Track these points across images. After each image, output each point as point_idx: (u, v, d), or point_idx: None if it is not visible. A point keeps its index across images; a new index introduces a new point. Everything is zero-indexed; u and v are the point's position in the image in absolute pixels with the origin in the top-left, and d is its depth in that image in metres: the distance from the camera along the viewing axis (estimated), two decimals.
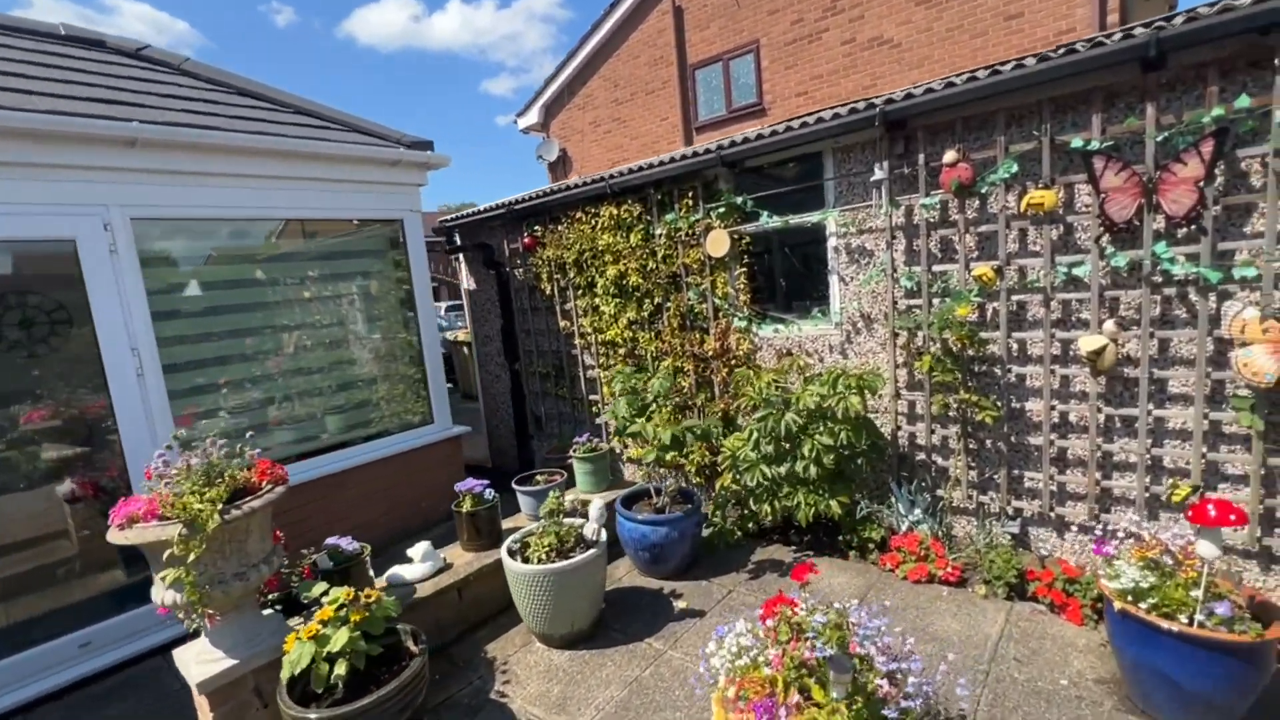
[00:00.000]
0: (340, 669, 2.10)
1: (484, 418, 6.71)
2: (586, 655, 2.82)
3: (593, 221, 4.82)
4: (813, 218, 3.78)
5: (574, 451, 4.04)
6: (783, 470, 3.44)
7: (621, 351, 4.89)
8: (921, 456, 3.60)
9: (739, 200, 4.02)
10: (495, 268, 5.85)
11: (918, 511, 3.43)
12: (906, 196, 3.40)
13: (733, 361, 4.24)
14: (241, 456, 2.39)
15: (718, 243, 4.09)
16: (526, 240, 5.33)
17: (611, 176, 4.55)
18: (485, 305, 6.21)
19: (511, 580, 2.85)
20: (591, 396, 5.30)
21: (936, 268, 3.35)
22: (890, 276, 3.49)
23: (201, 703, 2.30)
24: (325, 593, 2.36)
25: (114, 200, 3.45)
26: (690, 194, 4.28)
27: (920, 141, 3.29)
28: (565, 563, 2.75)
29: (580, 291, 5.09)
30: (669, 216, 4.36)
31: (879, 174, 3.32)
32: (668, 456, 3.55)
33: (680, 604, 3.19)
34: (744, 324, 4.19)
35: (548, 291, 5.33)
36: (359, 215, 4.66)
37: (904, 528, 3.46)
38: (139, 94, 3.97)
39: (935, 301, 3.36)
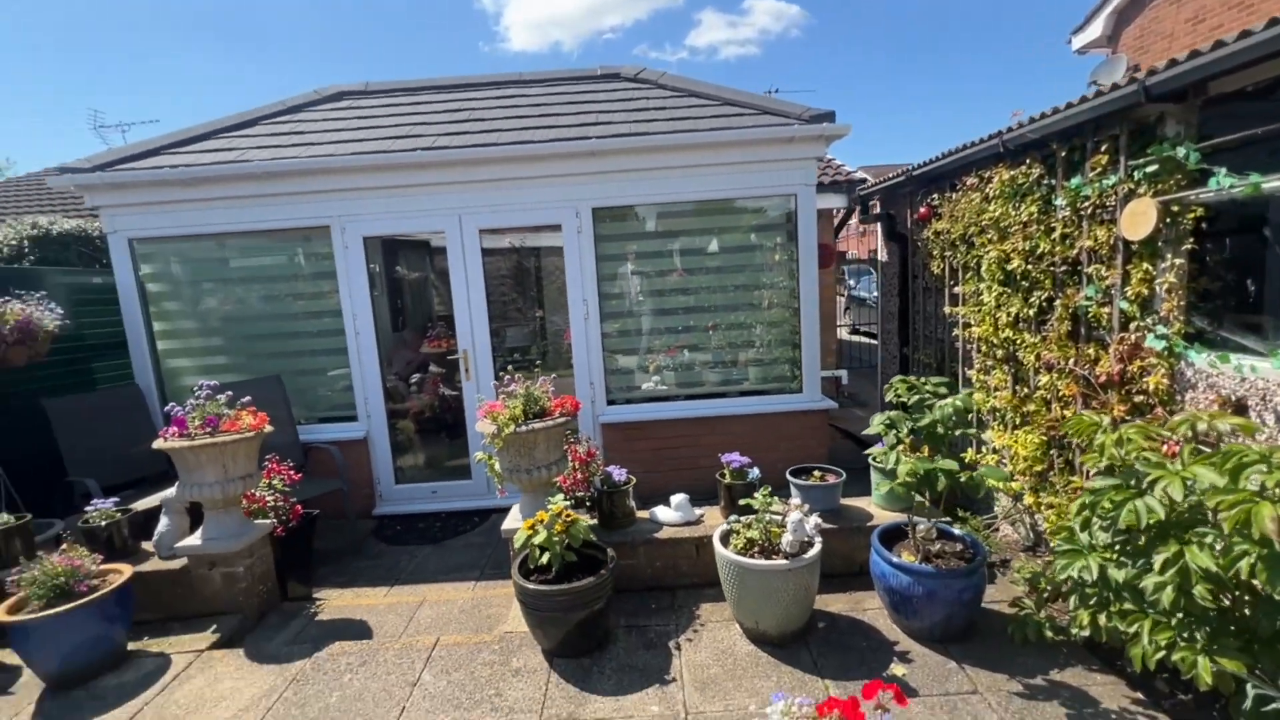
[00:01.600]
0: (543, 559, 2.84)
1: (879, 398, 6.38)
2: (764, 658, 2.75)
3: (985, 189, 3.86)
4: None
5: (873, 456, 3.60)
6: (1121, 577, 2.27)
7: (999, 354, 3.86)
8: None
9: (1179, 153, 2.55)
10: (899, 240, 5.34)
11: None
12: None
13: (1135, 397, 2.83)
14: (539, 394, 3.34)
15: (1137, 218, 2.73)
16: (922, 210, 4.68)
17: (1008, 130, 3.51)
18: (890, 281, 5.77)
19: (716, 555, 3.00)
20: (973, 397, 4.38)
21: None
22: None
23: (510, 543, 3.48)
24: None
25: (581, 196, 4.93)
26: (1106, 147, 2.94)
27: None
28: (744, 559, 2.72)
29: (968, 274, 4.20)
30: (1073, 181, 3.12)
31: None
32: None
33: (897, 669, 2.64)
34: (1162, 343, 2.72)
35: (937, 271, 4.59)
36: (757, 192, 5.07)
37: None
38: (616, 111, 5.41)
39: None
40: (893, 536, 3.09)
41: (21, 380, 4.46)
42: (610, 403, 5.15)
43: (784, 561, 2.71)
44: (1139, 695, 2.44)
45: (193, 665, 2.99)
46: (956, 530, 3.00)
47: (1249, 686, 2.05)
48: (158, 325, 5.08)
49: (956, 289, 4.39)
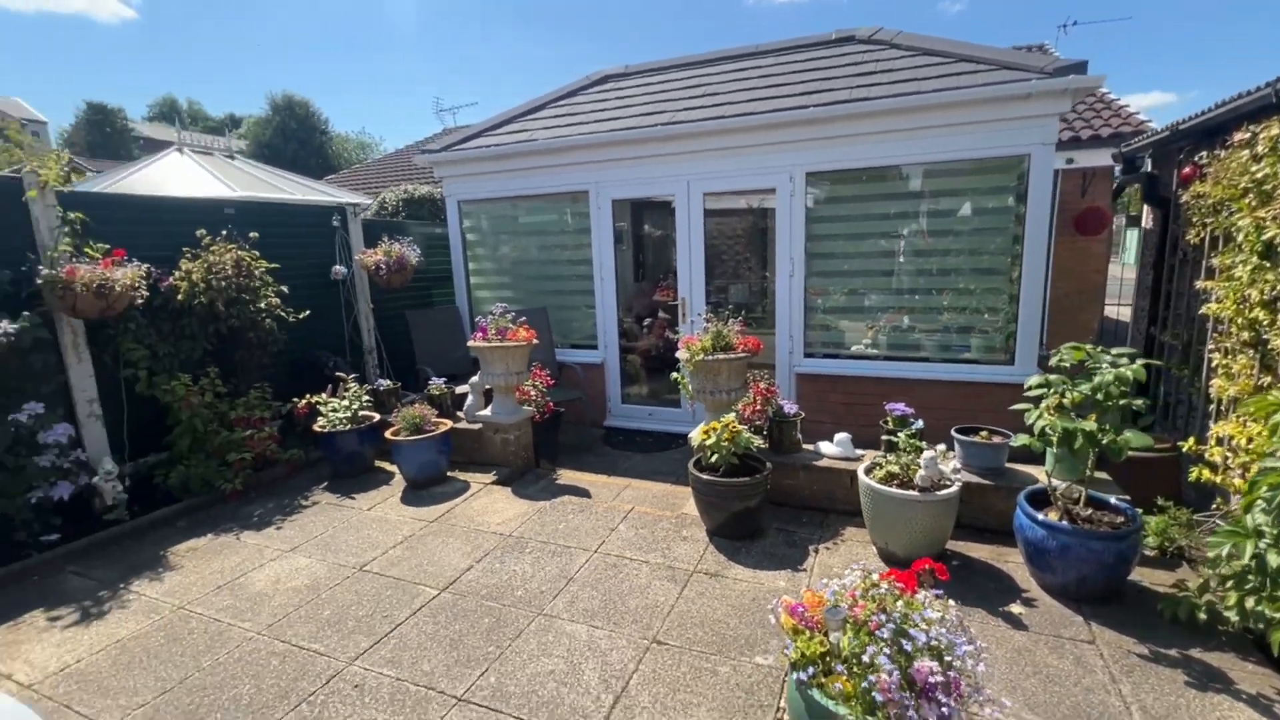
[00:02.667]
0: (713, 459, 3.61)
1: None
2: None
3: (1254, 146, 3.33)
4: None
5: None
6: (1276, 562, 2.19)
7: (1245, 336, 3.39)
8: None
9: None
10: (1162, 205, 4.68)
11: None
12: None
13: None
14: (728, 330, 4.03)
15: None
16: (1187, 170, 4.11)
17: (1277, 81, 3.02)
18: (1149, 251, 5.06)
19: (859, 482, 3.43)
20: (1211, 383, 3.87)
21: None
22: None
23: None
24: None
25: (795, 162, 5.38)
26: None
27: None
28: (879, 485, 3.12)
29: (1228, 245, 3.67)
30: None
31: None
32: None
33: (1015, 608, 2.83)
34: None
35: (1195, 241, 4.03)
36: (984, 153, 4.90)
37: None
38: (839, 77, 5.61)
39: None
40: (1046, 501, 3.16)
41: (392, 298, 6.63)
42: (808, 355, 5.61)
43: (915, 494, 3.06)
44: None
45: (481, 491, 4.49)
46: (1114, 500, 2.96)
47: None
48: (470, 265, 6.96)
49: (1214, 261, 3.85)
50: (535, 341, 4.76)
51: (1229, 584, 2.46)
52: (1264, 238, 3.19)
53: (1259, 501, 2.29)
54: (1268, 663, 2.45)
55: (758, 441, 3.85)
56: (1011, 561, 3.25)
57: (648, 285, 8.99)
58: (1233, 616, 2.43)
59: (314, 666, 2.65)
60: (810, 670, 1.95)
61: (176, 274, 4.51)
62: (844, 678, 1.90)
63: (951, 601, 2.04)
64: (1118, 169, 5.90)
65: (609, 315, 6.31)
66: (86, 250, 4.04)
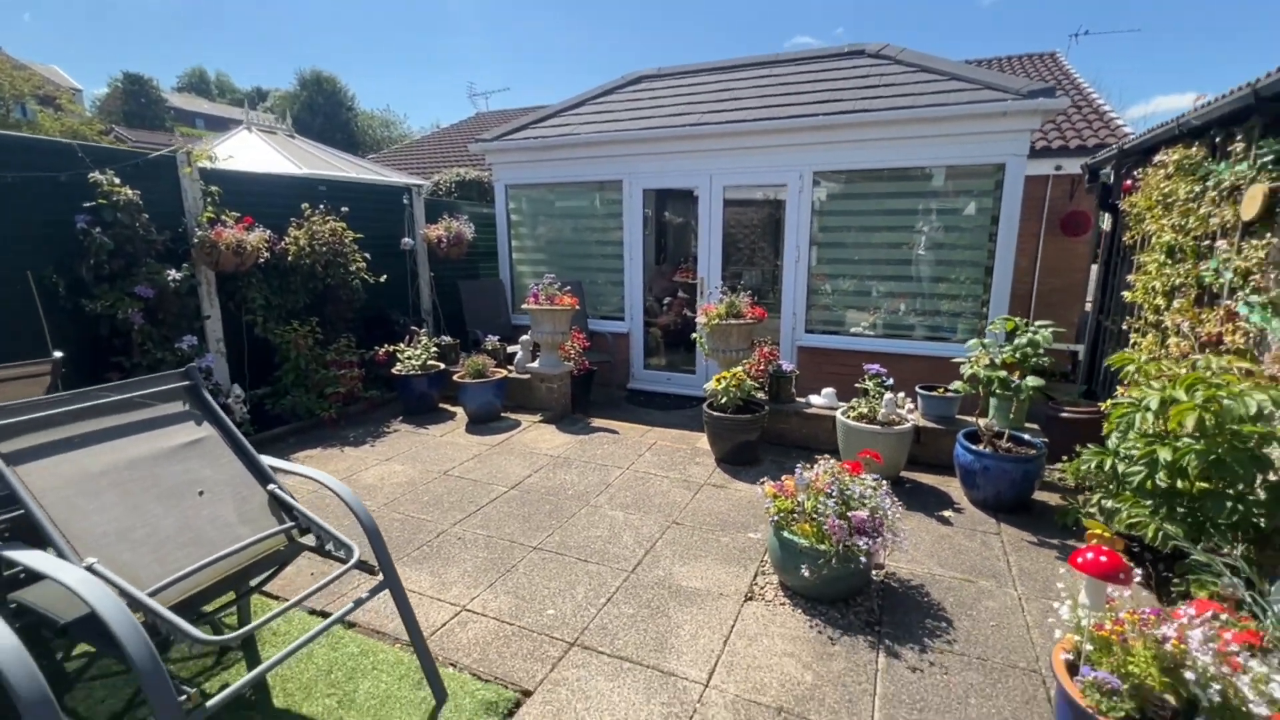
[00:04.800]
0: (722, 400, 4.54)
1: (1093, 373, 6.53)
2: None
3: (1164, 168, 4.18)
4: None
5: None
6: (1121, 469, 3.09)
7: (1150, 319, 4.27)
8: None
9: None
10: (1113, 211, 5.51)
11: None
12: None
13: (1223, 356, 3.33)
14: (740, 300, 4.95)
15: (1249, 201, 3.20)
16: (1126, 183, 4.94)
17: (1181, 116, 3.87)
18: (1104, 250, 5.90)
19: (836, 421, 4.36)
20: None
21: None
22: None
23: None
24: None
25: (805, 162, 6.25)
26: (1242, 137, 3.32)
27: None
28: (849, 420, 4.05)
29: (1146, 245, 4.52)
30: (1220, 166, 3.51)
31: None
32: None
33: (946, 513, 3.77)
34: (1247, 309, 3.18)
35: (1129, 242, 4.88)
36: (967, 161, 5.78)
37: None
38: (847, 88, 6.46)
39: None
40: (982, 439, 4.07)
41: (447, 269, 7.59)
42: (808, 331, 6.52)
43: (878, 427, 3.99)
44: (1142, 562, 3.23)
45: (530, 427, 5.48)
46: (1028, 438, 3.87)
47: (1197, 548, 2.84)
48: (513, 242, 7.90)
49: (1138, 259, 4.70)
50: (577, 307, 5.70)
51: (1097, 492, 3.37)
52: (1161, 241, 4.06)
53: (1115, 428, 3.20)
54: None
55: (759, 393, 4.79)
56: (953, 486, 4.18)
57: (668, 268, 9.90)
58: (1095, 512, 3.34)
59: (426, 526, 3.64)
60: (781, 518, 2.90)
61: (287, 239, 5.49)
62: (804, 523, 2.84)
63: (887, 485, 2.97)
64: (1086, 178, 6.69)
65: (636, 291, 7.23)
66: (223, 217, 5.02)
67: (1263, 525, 2.76)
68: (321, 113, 38.42)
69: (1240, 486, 2.72)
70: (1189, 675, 1.72)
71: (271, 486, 2.26)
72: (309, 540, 2.24)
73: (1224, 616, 2.22)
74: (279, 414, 5.37)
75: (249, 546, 2.01)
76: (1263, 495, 2.73)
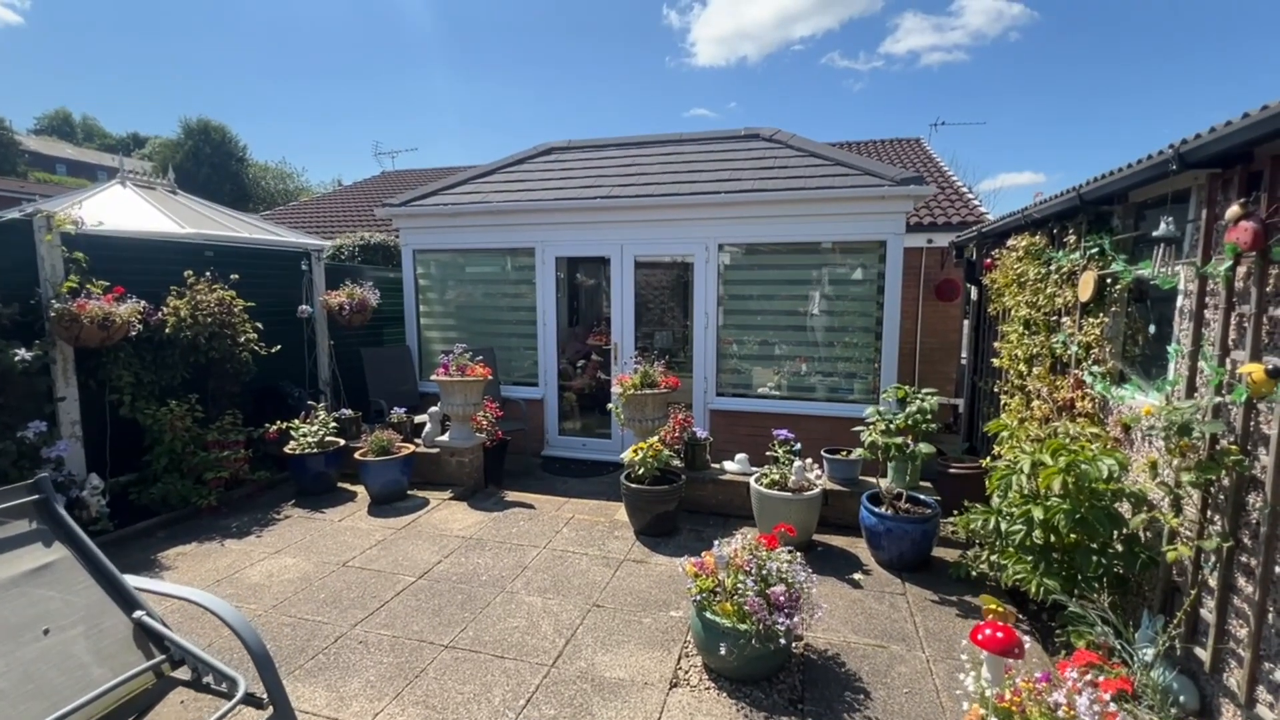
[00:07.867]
0: (640, 472, 4.55)
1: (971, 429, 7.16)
2: None
3: (1016, 251, 4.81)
4: (1143, 271, 3.08)
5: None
6: (1004, 527, 3.38)
7: (1015, 383, 4.79)
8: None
9: (1105, 242, 3.53)
10: (978, 284, 6.21)
11: (1150, 653, 2.70)
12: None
13: (1078, 419, 3.78)
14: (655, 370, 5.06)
15: (1083, 286, 3.73)
16: (987, 261, 5.60)
17: (1026, 209, 4.50)
18: (973, 316, 6.60)
19: (750, 488, 4.48)
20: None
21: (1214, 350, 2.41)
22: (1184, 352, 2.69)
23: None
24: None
25: (711, 235, 6.59)
26: (1073, 230, 3.91)
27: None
28: (762, 489, 4.18)
29: (1007, 317, 5.12)
30: (1059, 253, 4.09)
31: (1163, 229, 2.64)
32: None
33: (856, 576, 3.93)
34: (1091, 379, 3.66)
35: (993, 314, 5.50)
36: (853, 237, 6.34)
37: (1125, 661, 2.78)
38: (746, 169, 6.97)
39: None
40: (883, 501, 4.32)
41: (350, 337, 7.23)
42: (719, 394, 6.72)
43: (789, 494, 4.14)
44: (1020, 610, 3.50)
45: (440, 505, 5.20)
46: (923, 498, 4.16)
47: (1073, 599, 3.11)
48: (421, 307, 7.68)
49: (1001, 328, 5.30)
50: (490, 377, 5.58)
51: (985, 549, 3.65)
52: (1019, 315, 4.61)
53: (996, 489, 3.50)
54: (1004, 597, 3.63)
55: (676, 460, 4.84)
56: (860, 547, 4.38)
57: (581, 330, 9.96)
58: (985, 568, 3.61)
59: (322, 630, 3.31)
60: (702, 598, 2.90)
61: (165, 309, 5.03)
62: (725, 602, 2.86)
63: (801, 557, 3.06)
64: (954, 254, 7.55)
65: (550, 356, 7.20)
66: (89, 286, 4.54)
67: (1121, 573, 3.09)
68: (208, 162, 36.19)
69: (1102, 540, 3.04)
70: None
71: (138, 614, 1.99)
72: (183, 674, 1.97)
73: (1101, 665, 2.45)
74: (147, 504, 4.77)
75: (107, 693, 1.74)
76: (1120, 548, 3.07)
